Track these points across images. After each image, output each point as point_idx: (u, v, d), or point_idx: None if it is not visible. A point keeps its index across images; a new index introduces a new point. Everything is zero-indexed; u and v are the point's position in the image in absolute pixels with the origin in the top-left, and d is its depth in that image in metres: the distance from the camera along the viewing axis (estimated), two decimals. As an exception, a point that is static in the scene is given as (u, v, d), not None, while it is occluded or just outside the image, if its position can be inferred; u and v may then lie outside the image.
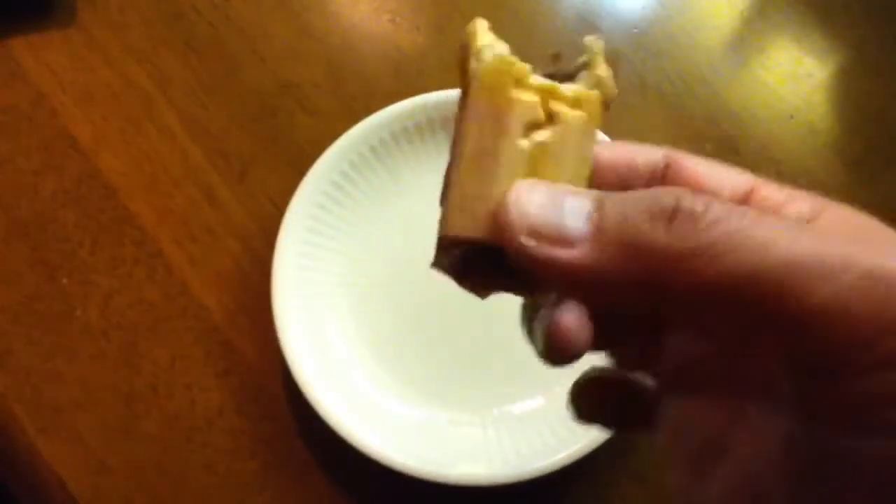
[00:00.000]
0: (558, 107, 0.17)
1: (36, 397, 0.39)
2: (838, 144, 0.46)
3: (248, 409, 0.39)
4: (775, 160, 0.46)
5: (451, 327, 0.40)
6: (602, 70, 0.17)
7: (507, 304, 0.42)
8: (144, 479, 0.38)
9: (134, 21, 0.47)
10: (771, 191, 0.18)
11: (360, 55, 0.47)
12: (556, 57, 0.17)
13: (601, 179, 0.19)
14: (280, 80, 0.46)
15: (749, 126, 0.47)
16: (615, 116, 0.46)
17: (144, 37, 0.47)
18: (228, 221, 0.43)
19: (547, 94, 0.17)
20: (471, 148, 0.16)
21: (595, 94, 0.17)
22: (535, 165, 0.16)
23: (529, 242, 0.15)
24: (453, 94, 0.41)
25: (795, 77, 0.48)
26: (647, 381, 0.22)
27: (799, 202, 0.18)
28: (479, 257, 0.17)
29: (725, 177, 0.19)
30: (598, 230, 0.15)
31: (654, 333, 0.20)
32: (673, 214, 0.14)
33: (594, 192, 0.16)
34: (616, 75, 0.17)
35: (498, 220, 0.16)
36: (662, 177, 0.19)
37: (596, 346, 0.18)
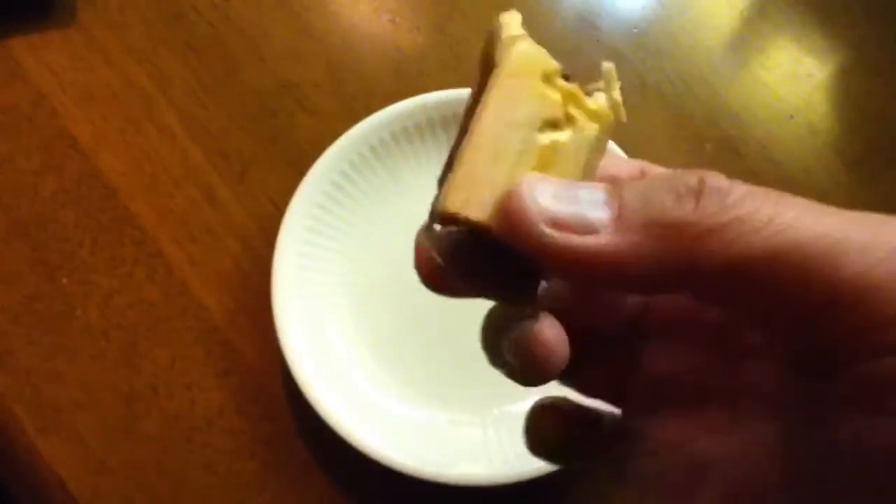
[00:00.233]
0: (577, 113, 0.17)
1: (36, 397, 0.39)
2: (838, 144, 0.46)
3: (248, 409, 0.39)
4: (775, 160, 0.46)
5: (451, 327, 0.40)
6: (618, 95, 0.17)
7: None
8: (144, 479, 0.38)
9: (134, 21, 0.47)
10: None
11: (360, 55, 0.47)
12: (566, 77, 0.17)
13: None
14: (280, 80, 0.46)
15: (749, 126, 0.47)
16: (615, 116, 0.46)
17: (144, 37, 0.47)
18: (228, 221, 0.43)
19: (568, 99, 0.17)
20: (486, 130, 0.16)
21: (610, 114, 0.17)
22: (546, 163, 0.16)
23: (549, 231, 0.15)
24: (453, 94, 0.42)
25: (795, 77, 0.48)
26: (604, 410, 0.21)
27: None
28: (469, 244, 0.17)
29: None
30: (620, 215, 0.15)
31: (629, 350, 0.20)
32: (699, 192, 0.14)
33: (604, 183, 0.16)
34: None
35: (510, 209, 0.15)
36: None
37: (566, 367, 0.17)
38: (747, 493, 0.16)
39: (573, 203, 0.15)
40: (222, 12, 0.48)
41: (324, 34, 0.48)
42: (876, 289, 0.13)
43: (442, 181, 0.17)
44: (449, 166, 0.17)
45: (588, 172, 0.17)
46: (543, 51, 0.17)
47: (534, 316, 0.17)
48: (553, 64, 0.16)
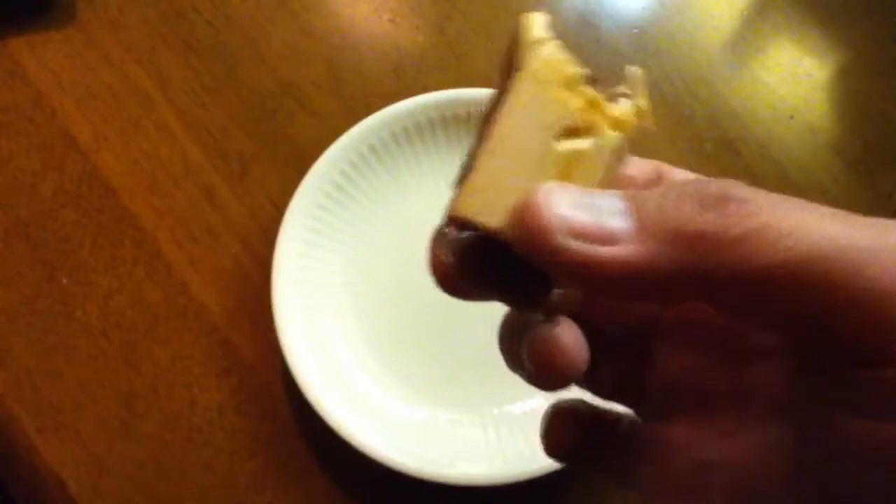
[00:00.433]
0: (599, 121, 0.16)
1: (36, 397, 0.39)
2: (838, 144, 0.46)
3: (248, 409, 0.39)
4: (775, 160, 0.46)
5: (451, 327, 0.40)
6: (643, 102, 0.17)
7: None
8: (144, 479, 0.38)
9: (134, 21, 0.47)
10: None
11: (360, 55, 0.47)
12: (592, 79, 0.16)
13: None
14: (280, 80, 0.46)
15: (749, 126, 0.47)
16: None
17: (144, 37, 0.47)
18: (228, 221, 0.43)
19: (590, 106, 0.16)
20: (504, 136, 0.16)
21: (634, 121, 0.17)
22: (565, 170, 0.16)
23: (568, 242, 0.14)
24: (453, 94, 0.42)
25: (795, 77, 0.48)
26: (619, 412, 0.21)
27: None
28: (482, 248, 0.16)
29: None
30: (642, 224, 0.14)
31: (641, 351, 0.20)
32: (722, 201, 0.14)
33: (623, 192, 0.15)
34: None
35: (526, 218, 0.15)
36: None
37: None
38: (754, 495, 0.16)
39: (592, 212, 0.15)
40: (222, 12, 0.48)
41: (324, 34, 0.48)
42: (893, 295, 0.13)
43: (457, 183, 0.17)
44: (465, 169, 0.17)
45: (608, 180, 0.16)
46: (567, 55, 0.16)
47: (550, 320, 0.16)
48: (576, 70, 0.16)
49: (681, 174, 0.20)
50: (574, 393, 0.21)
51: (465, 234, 0.17)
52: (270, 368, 0.40)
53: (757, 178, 0.45)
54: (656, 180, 0.20)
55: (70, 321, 0.40)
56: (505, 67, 0.17)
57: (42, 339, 0.40)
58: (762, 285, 0.14)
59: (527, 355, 0.17)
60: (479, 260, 0.17)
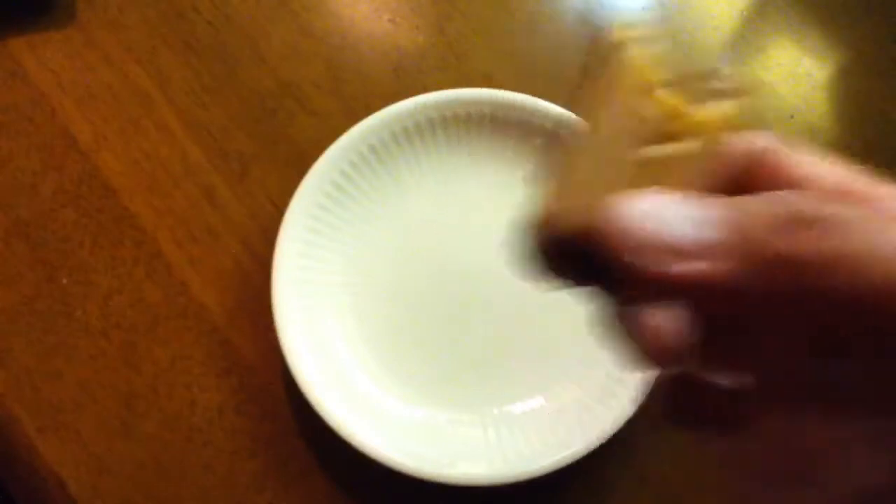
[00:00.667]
0: (681, 126, 0.16)
1: (36, 397, 0.39)
2: (838, 144, 0.46)
3: (248, 409, 0.39)
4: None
5: (451, 327, 0.40)
6: (734, 107, 0.16)
7: (507, 305, 0.42)
8: (144, 479, 0.38)
9: (134, 21, 0.47)
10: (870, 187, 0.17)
11: (360, 55, 0.47)
12: (680, 81, 0.16)
13: None
14: (280, 80, 0.46)
15: (749, 126, 0.47)
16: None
17: (144, 37, 0.47)
18: (228, 221, 0.43)
19: (672, 113, 0.16)
20: (587, 142, 0.16)
21: (720, 125, 0.16)
22: (646, 177, 0.16)
23: (638, 259, 0.14)
24: (453, 94, 0.42)
25: (795, 77, 0.48)
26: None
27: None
28: (562, 249, 0.16)
29: (827, 173, 0.17)
30: (729, 239, 0.14)
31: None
32: (812, 222, 0.13)
33: (709, 199, 0.15)
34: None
35: (604, 230, 0.14)
36: (758, 170, 0.17)
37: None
38: (858, 487, 0.16)
39: (672, 225, 0.14)
40: (222, 12, 0.48)
41: (324, 34, 0.48)
42: None
43: (538, 182, 0.17)
44: (549, 171, 0.17)
45: (690, 187, 0.16)
46: (650, 61, 0.16)
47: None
48: (657, 76, 0.16)
49: (793, 160, 0.18)
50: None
51: (546, 234, 0.17)
52: (270, 368, 0.40)
53: (757, 178, 0.45)
54: (757, 162, 0.18)
55: (70, 321, 0.40)
56: (590, 71, 0.17)
57: (42, 339, 0.40)
58: (853, 303, 0.13)
59: (633, 333, 0.17)
60: (559, 259, 0.17)
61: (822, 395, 0.17)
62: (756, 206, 0.14)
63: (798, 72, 0.48)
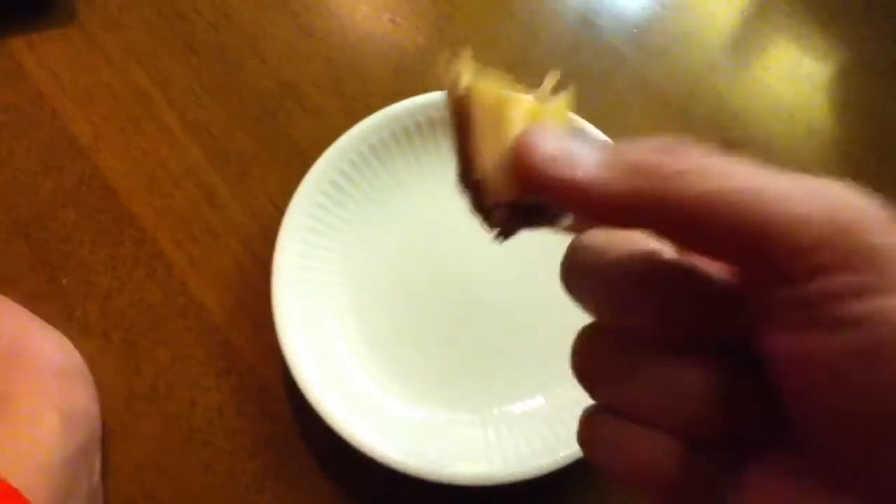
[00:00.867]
0: (542, 116, 0.20)
1: (36, 397, 0.39)
2: (838, 144, 0.46)
3: (248, 409, 0.39)
4: (775, 160, 0.46)
5: (451, 327, 0.40)
6: (561, 100, 0.21)
7: (507, 305, 0.42)
8: (144, 479, 0.38)
9: (134, 21, 0.47)
10: None
11: (360, 55, 0.47)
12: (525, 91, 0.21)
13: None
14: (280, 80, 0.46)
15: (749, 126, 0.47)
16: (616, 116, 0.46)
17: (144, 37, 0.47)
18: (228, 221, 0.43)
19: (532, 111, 0.20)
20: (480, 128, 0.19)
21: (566, 110, 0.21)
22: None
23: (547, 163, 0.18)
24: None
25: (795, 77, 0.48)
26: None
27: None
28: (518, 209, 0.20)
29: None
30: (607, 156, 0.18)
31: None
32: (673, 147, 0.17)
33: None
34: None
35: (519, 153, 0.18)
36: None
37: None
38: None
39: (569, 144, 0.18)
40: (222, 12, 0.48)
41: (324, 34, 0.48)
42: (804, 221, 0.15)
43: (462, 182, 0.21)
44: (464, 165, 0.21)
45: None
46: (497, 83, 0.20)
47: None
48: (510, 95, 0.20)
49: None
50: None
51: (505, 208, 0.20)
52: (270, 368, 0.40)
53: (757, 178, 0.45)
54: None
55: (70, 321, 0.40)
56: (454, 108, 0.20)
57: (42, 339, 0.40)
58: (699, 210, 0.16)
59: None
60: (518, 221, 0.21)
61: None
62: (635, 141, 0.18)
63: (798, 72, 0.48)
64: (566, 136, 0.19)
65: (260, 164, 0.44)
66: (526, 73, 0.47)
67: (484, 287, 0.41)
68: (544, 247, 0.25)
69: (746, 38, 0.49)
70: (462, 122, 0.20)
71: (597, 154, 0.18)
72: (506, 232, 0.21)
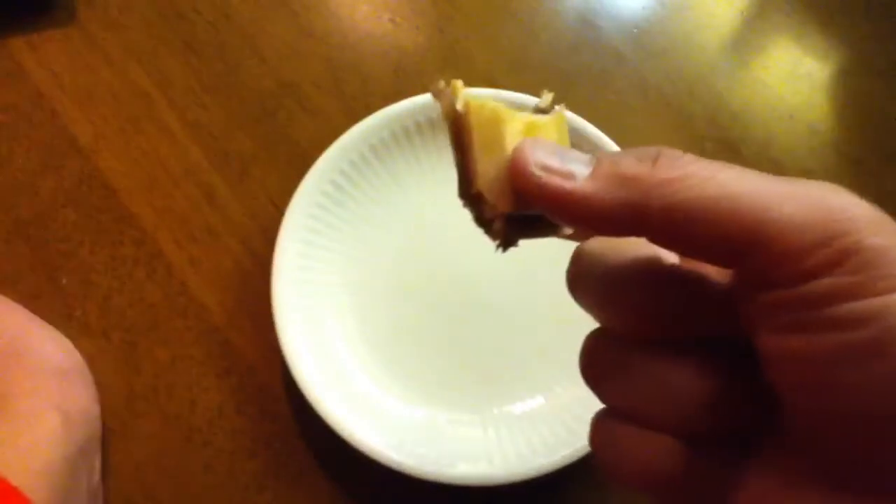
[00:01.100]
0: (538, 129, 0.21)
1: (36, 397, 0.39)
2: (838, 144, 0.46)
3: (248, 409, 0.39)
4: (775, 160, 0.46)
5: (451, 327, 0.40)
6: (557, 114, 0.22)
7: (507, 305, 0.42)
8: (144, 479, 0.38)
9: (134, 21, 0.47)
10: None
11: (360, 55, 0.47)
12: (518, 109, 0.21)
13: None
14: (280, 80, 0.46)
15: (749, 126, 0.47)
16: (616, 116, 0.46)
17: (144, 37, 0.47)
18: (228, 221, 0.43)
19: (528, 125, 0.21)
20: (478, 145, 0.20)
21: (561, 122, 0.22)
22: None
23: (540, 174, 0.18)
24: (453, 94, 0.42)
25: (795, 77, 0.48)
26: None
27: None
28: (518, 220, 0.20)
29: None
30: (595, 169, 0.18)
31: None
32: (657, 157, 0.18)
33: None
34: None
35: (514, 165, 0.19)
36: None
37: None
38: None
39: (561, 157, 0.19)
40: (222, 12, 0.48)
41: (324, 34, 0.48)
42: (794, 225, 0.16)
43: (463, 194, 0.21)
44: (465, 179, 0.21)
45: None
46: (491, 100, 0.20)
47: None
48: (506, 111, 0.20)
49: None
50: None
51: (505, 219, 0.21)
52: (270, 368, 0.40)
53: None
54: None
55: (70, 321, 0.40)
56: (451, 125, 0.21)
57: (42, 339, 0.40)
58: (681, 217, 0.17)
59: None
60: (518, 231, 0.21)
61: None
62: (619, 151, 0.19)
63: (798, 72, 0.48)
64: (559, 150, 0.19)
65: (260, 164, 0.44)
66: (526, 73, 0.47)
67: (484, 287, 0.41)
68: (544, 248, 0.25)
69: (746, 38, 0.49)
70: (460, 138, 0.21)
71: (587, 166, 0.18)
72: (507, 242, 0.21)
